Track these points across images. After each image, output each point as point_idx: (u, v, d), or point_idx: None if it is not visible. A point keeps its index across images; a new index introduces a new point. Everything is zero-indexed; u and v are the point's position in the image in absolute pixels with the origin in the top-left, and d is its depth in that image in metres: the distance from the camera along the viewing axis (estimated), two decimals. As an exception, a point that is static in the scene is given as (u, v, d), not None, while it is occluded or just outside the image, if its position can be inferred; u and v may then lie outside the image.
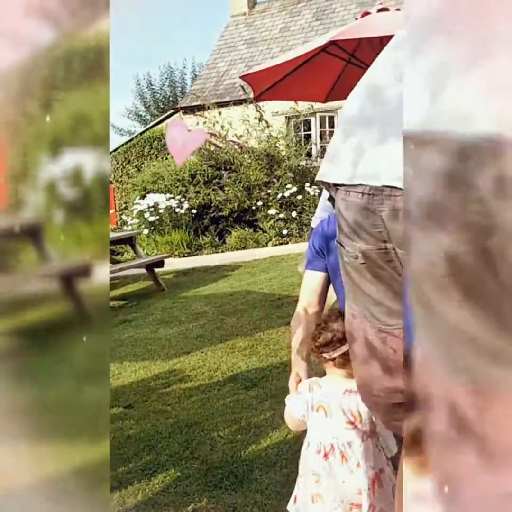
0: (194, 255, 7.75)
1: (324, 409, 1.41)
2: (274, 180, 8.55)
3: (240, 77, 4.30)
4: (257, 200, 8.48)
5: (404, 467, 1.01)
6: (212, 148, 8.79)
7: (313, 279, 1.91)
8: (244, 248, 8.07)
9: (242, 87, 8.92)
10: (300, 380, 1.53)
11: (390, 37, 4.27)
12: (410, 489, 0.88)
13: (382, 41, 4.33)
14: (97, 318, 1.21)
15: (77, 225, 1.59)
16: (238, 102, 9.31)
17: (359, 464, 1.37)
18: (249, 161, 8.55)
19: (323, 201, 4.89)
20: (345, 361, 1.37)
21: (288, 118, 9.68)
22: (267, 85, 4.83)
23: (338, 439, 1.38)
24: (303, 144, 9.35)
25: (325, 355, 1.41)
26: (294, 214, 8.43)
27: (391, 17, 4.01)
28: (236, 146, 8.75)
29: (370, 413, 1.37)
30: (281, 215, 8.38)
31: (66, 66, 1.40)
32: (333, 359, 1.40)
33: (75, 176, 1.52)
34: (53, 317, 1.52)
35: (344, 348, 1.36)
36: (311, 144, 9.46)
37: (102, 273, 1.23)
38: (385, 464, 1.45)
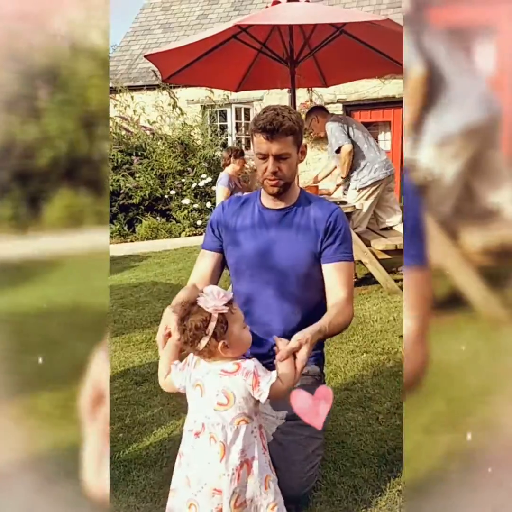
0: (100, 245, 7.39)
1: (201, 387, 1.37)
2: (189, 169, 8.36)
3: (145, 56, 4.09)
4: (170, 189, 8.25)
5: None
6: (123, 132, 8.42)
7: (204, 258, 1.92)
8: (155, 238, 7.83)
9: (155, 72, 8.61)
10: (170, 334, 1.46)
11: (298, 26, 4.25)
12: None
13: (292, 31, 4.31)
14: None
15: None
16: (151, 87, 8.99)
17: (225, 447, 1.32)
18: (163, 148, 8.30)
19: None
20: (210, 351, 1.34)
21: (204, 107, 9.50)
22: (176, 68, 4.66)
23: (210, 419, 1.34)
24: (218, 135, 9.23)
25: (191, 351, 1.38)
26: (208, 204, 8.30)
27: (300, 8, 3.99)
28: (148, 132, 8.46)
29: (248, 398, 1.34)
30: (196, 205, 8.22)
31: None
32: (200, 354, 1.36)
33: None
34: None
35: (204, 342, 1.32)
36: (226, 135, 9.35)
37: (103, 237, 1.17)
38: (261, 453, 1.40)
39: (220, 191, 4.43)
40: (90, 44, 1.02)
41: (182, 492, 1.38)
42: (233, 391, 1.33)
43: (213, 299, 1.32)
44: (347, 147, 4.36)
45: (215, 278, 1.90)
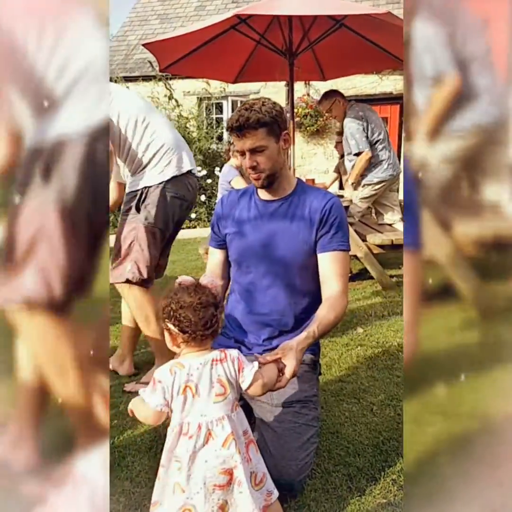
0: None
1: (191, 389, 1.33)
2: (183, 161, 8.31)
3: (143, 45, 4.05)
4: (165, 182, 8.20)
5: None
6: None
7: (212, 255, 1.99)
8: (149, 230, 7.78)
9: (151, 63, 8.55)
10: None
11: (298, 18, 4.22)
12: None
13: (291, 23, 4.29)
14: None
15: None
16: (147, 78, 8.92)
17: (228, 438, 1.31)
18: (158, 140, 8.23)
19: (222, 180, 4.75)
20: (215, 331, 1.39)
21: (200, 99, 9.45)
22: (174, 58, 4.62)
23: (207, 416, 1.32)
24: (214, 127, 9.19)
25: (201, 334, 1.37)
26: (203, 198, 8.28)
27: (300, -1, 3.97)
28: (144, 124, 8.39)
29: (237, 378, 1.37)
30: (190, 198, 8.18)
31: None
32: (209, 335, 1.38)
33: None
34: None
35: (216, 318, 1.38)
36: (222, 128, 9.31)
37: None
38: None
39: (238, 182, 4.37)
40: None
41: (170, 501, 1.31)
42: (228, 377, 1.35)
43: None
44: (367, 154, 4.35)
45: (225, 272, 1.96)
